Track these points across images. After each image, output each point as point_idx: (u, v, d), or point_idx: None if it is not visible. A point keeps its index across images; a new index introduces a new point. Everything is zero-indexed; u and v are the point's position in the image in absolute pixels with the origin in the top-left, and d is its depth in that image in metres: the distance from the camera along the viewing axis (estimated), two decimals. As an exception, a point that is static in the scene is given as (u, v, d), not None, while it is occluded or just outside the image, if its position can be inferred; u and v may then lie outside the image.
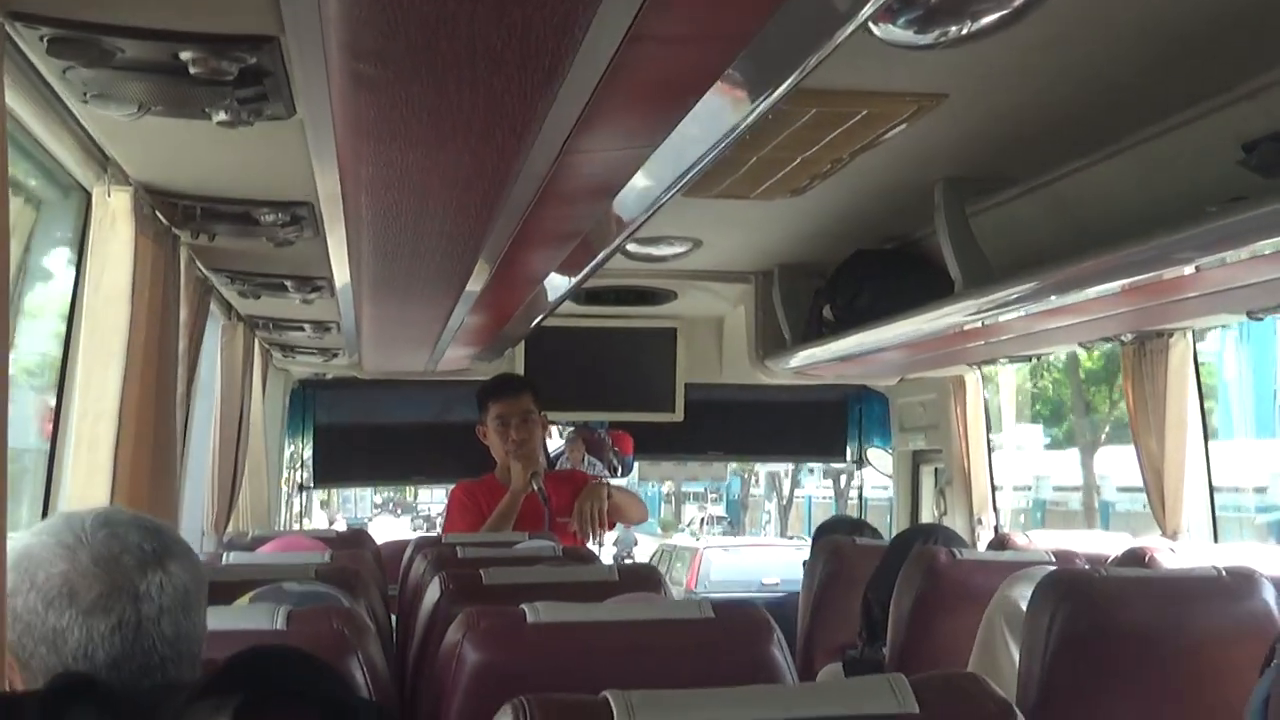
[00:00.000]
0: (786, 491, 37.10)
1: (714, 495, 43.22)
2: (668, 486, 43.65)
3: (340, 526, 12.52)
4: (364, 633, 2.68)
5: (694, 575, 19.83)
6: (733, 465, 33.37)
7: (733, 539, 29.81)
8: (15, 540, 1.83)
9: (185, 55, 2.00)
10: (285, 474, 8.16)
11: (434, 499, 35.83)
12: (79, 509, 1.86)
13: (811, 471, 34.33)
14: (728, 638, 2.81)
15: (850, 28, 1.92)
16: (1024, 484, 26.00)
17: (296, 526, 8.23)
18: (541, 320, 5.74)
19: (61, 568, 1.73)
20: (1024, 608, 3.65)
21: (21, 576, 1.75)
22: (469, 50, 1.72)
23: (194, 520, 5.53)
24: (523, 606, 2.77)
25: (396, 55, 1.75)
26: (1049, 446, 27.48)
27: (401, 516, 42.01)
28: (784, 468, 32.71)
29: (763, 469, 36.01)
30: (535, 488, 6.03)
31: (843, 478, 26.93)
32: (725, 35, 1.88)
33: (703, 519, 40.45)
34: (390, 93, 1.90)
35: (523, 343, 7.08)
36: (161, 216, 3.21)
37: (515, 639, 2.71)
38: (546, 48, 1.69)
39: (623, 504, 6.38)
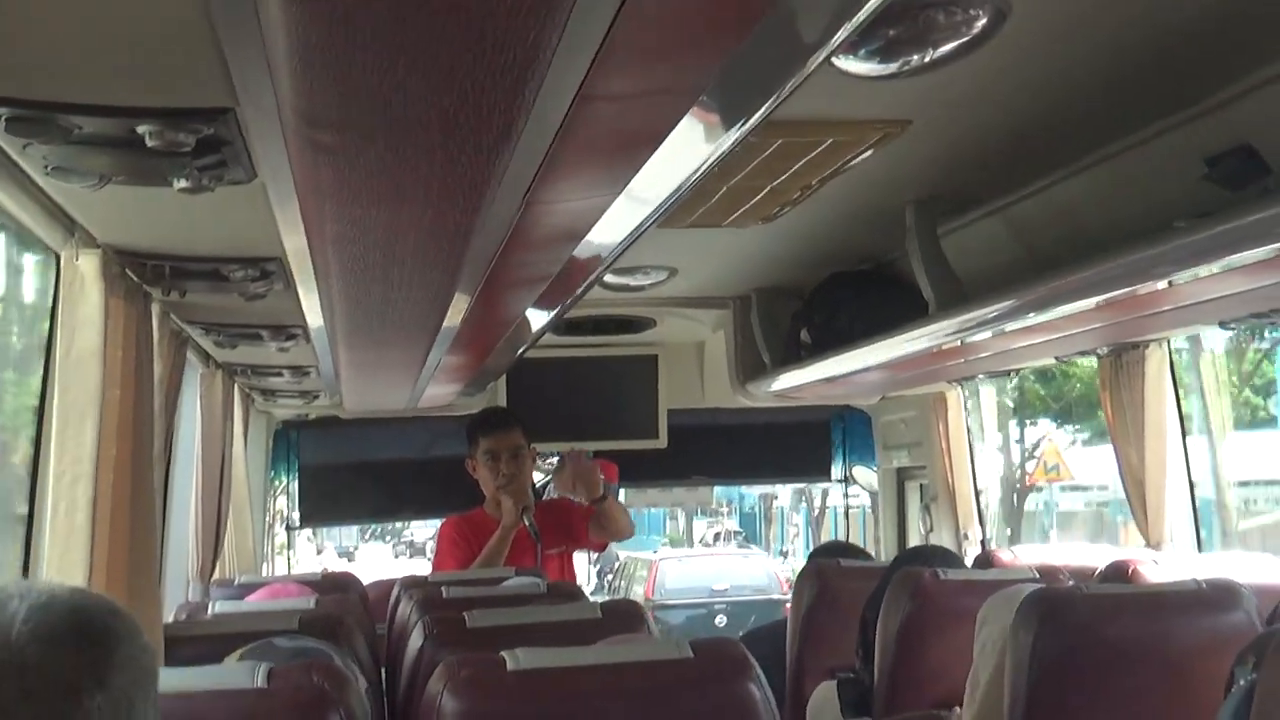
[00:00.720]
0: (818, 502, 32.98)
1: (726, 508, 41.10)
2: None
3: (329, 555, 12.49)
4: (346, 686, 2.68)
5: (651, 584, 21.19)
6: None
7: (686, 551, 31.07)
8: None
9: (142, 129, 2.01)
10: (271, 515, 8.15)
11: (419, 525, 35.74)
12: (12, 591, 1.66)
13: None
14: (707, 676, 2.82)
15: (810, 67, 1.93)
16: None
17: (283, 568, 8.22)
18: (522, 354, 5.75)
19: None
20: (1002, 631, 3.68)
21: None
22: (423, 115, 1.73)
23: (179, 569, 5.52)
24: (503, 654, 2.78)
25: (351, 122, 1.76)
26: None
27: (389, 541, 41.87)
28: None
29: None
30: (526, 523, 6.05)
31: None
32: (676, 90, 1.89)
33: (717, 534, 38.95)
34: (348, 157, 1.91)
35: (505, 376, 7.08)
36: (132, 275, 3.21)
37: (496, 687, 2.73)
38: (499, 109, 1.70)
39: (611, 513, 6.41)
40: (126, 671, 1.60)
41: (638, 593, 21.07)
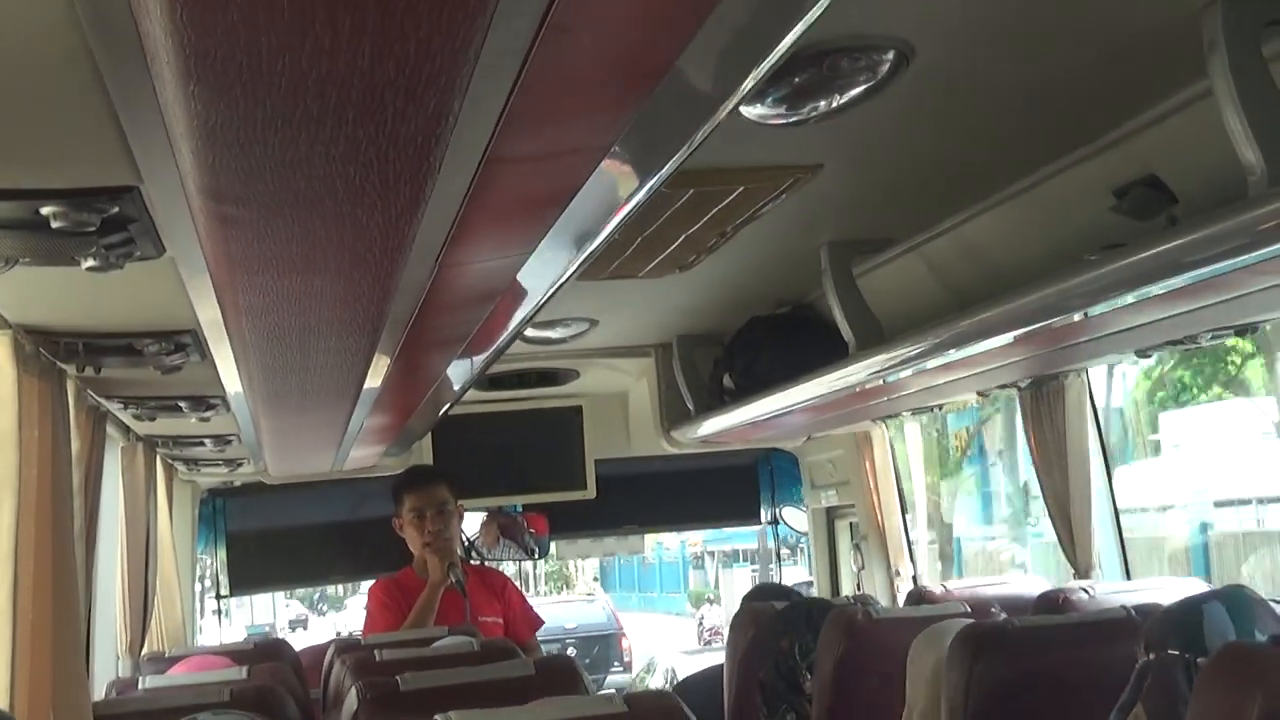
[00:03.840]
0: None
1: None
2: (695, 547, 40.67)
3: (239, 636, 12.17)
4: (277, 759, 2.66)
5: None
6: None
7: (546, 598, 33.95)
8: None
9: (47, 210, 1.99)
10: (199, 586, 8.07)
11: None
12: None
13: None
14: (643, 731, 2.81)
15: (717, 118, 1.94)
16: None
17: (214, 639, 8.14)
18: (445, 412, 5.73)
19: None
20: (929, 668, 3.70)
21: None
22: (328, 186, 1.72)
23: (108, 645, 5.46)
24: (437, 717, 2.76)
25: (256, 196, 1.75)
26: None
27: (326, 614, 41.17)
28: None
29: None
30: (453, 579, 6.01)
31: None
32: (581, 150, 1.89)
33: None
34: (256, 229, 1.90)
35: (430, 434, 7.06)
36: (45, 353, 3.18)
37: (431, 753, 2.70)
38: (405, 177, 1.70)
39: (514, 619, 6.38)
40: None
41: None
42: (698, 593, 38.20)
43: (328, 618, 40.45)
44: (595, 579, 42.61)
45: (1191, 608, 2.85)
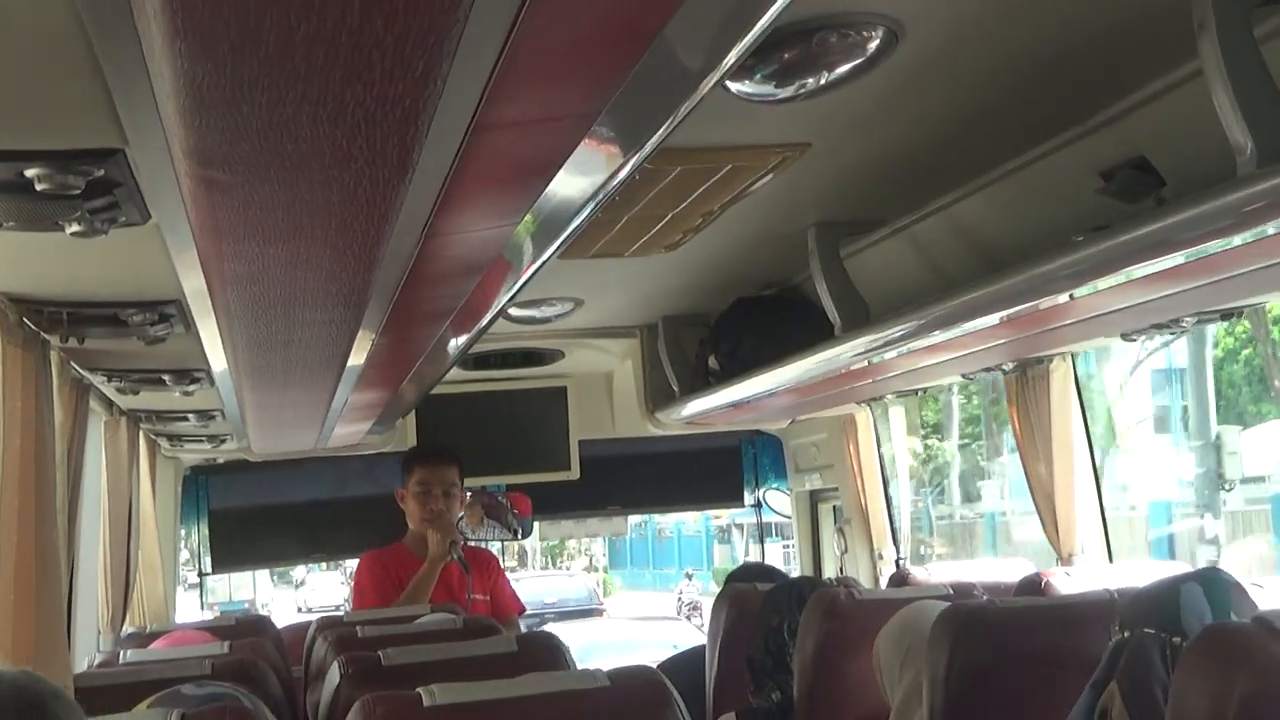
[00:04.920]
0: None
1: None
2: (720, 520, 38.78)
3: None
4: (259, 730, 2.66)
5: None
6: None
7: (525, 572, 35.74)
8: None
9: (30, 172, 1.98)
10: (182, 563, 8.06)
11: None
12: None
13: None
14: (624, 706, 2.82)
15: (703, 90, 1.94)
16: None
17: (197, 616, 8.14)
18: (430, 390, 5.72)
19: None
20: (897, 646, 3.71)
21: None
22: (315, 149, 1.71)
23: (89, 620, 5.45)
24: (419, 690, 2.75)
25: (242, 159, 1.74)
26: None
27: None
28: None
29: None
30: (455, 556, 6.02)
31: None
32: (570, 115, 1.89)
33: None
34: (242, 194, 1.89)
35: (414, 412, 7.05)
36: (29, 323, 3.17)
37: (413, 725, 2.70)
38: (392, 141, 1.69)
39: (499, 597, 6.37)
40: None
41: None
42: (723, 570, 37.41)
43: (284, 593, 40.19)
44: (587, 554, 42.30)
45: (1168, 587, 2.85)
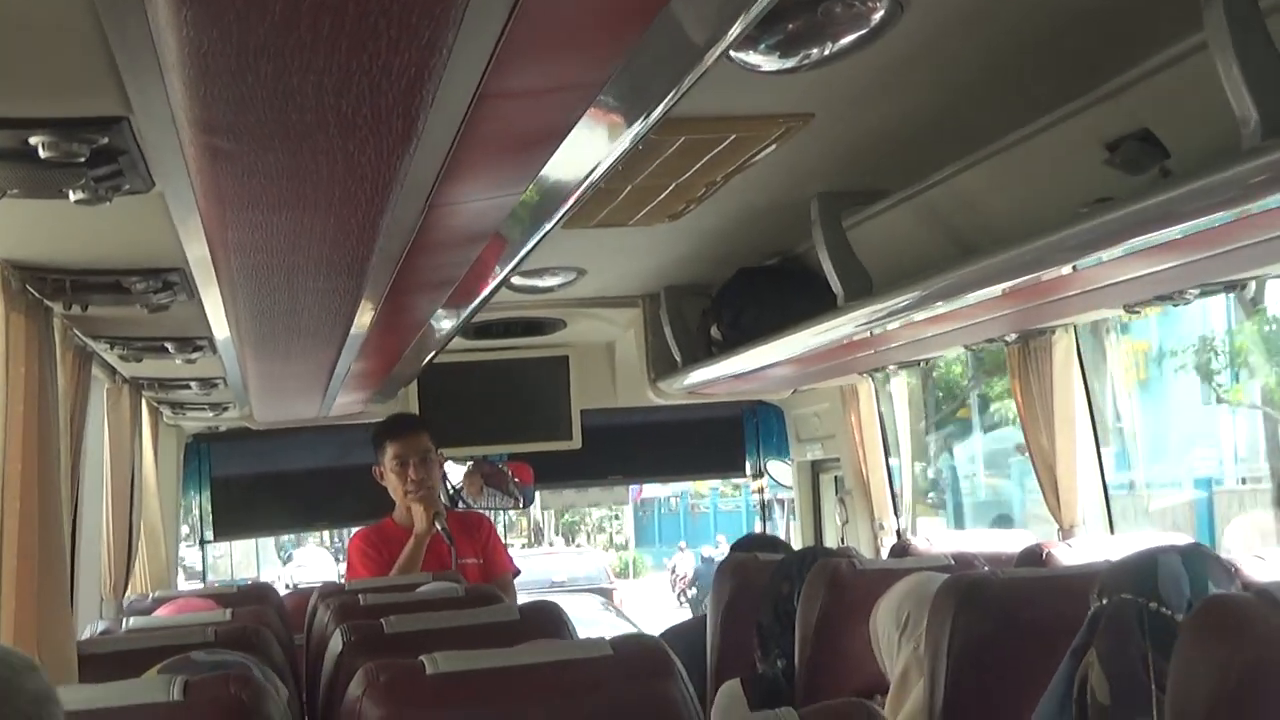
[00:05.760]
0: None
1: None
2: (761, 494, 37.27)
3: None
4: (264, 697, 2.66)
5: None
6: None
7: (534, 549, 35.17)
8: None
9: (35, 140, 1.98)
10: (184, 530, 8.08)
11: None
12: None
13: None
14: (627, 673, 2.82)
15: (709, 60, 1.93)
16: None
17: (199, 583, 8.16)
18: (431, 359, 5.72)
19: None
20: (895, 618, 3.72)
21: None
22: (320, 118, 1.71)
23: (91, 586, 5.46)
24: (422, 658, 2.76)
25: (247, 127, 1.74)
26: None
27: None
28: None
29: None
30: (439, 528, 6.01)
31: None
32: (575, 85, 1.89)
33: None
34: (246, 162, 1.89)
35: (415, 382, 7.05)
36: (32, 290, 3.17)
37: (415, 691, 2.71)
38: (397, 111, 1.69)
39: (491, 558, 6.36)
40: None
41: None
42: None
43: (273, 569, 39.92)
44: (601, 529, 41.65)
45: (1147, 557, 2.86)
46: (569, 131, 2.09)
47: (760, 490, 8.71)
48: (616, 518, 43.10)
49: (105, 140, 2.03)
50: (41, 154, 2.00)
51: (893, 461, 7.10)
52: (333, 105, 1.67)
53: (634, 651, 2.88)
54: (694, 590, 29.59)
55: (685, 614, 28.15)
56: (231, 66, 1.51)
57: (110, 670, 3.24)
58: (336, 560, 36.18)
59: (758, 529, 9.17)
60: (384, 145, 1.84)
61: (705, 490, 37.31)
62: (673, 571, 32.95)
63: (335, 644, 3.64)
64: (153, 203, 2.47)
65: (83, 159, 2.03)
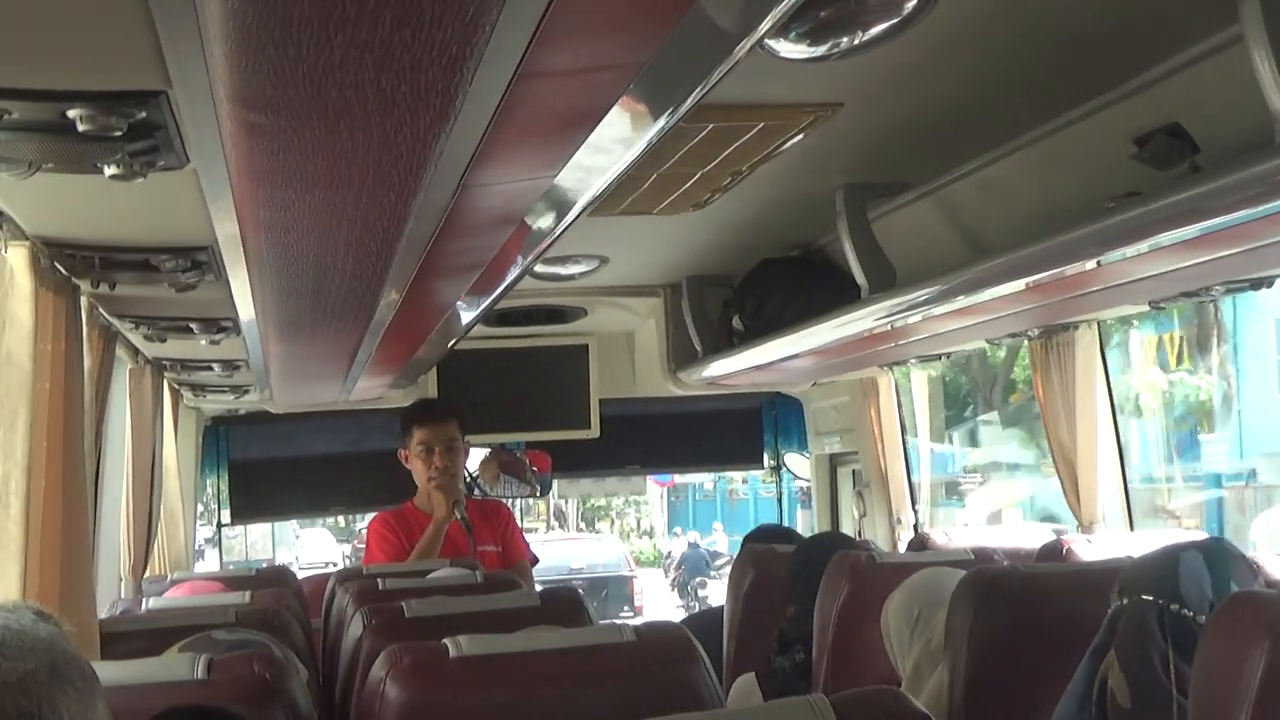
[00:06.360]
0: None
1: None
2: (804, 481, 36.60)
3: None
4: (286, 677, 2.67)
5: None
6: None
7: (551, 535, 34.59)
8: None
9: (73, 113, 1.97)
10: (201, 513, 8.09)
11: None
12: None
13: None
14: (650, 661, 2.82)
15: (744, 48, 1.93)
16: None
17: (216, 565, 8.17)
18: (453, 345, 5.72)
19: None
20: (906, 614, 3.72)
21: None
22: (359, 95, 1.71)
23: (110, 566, 5.47)
24: (445, 641, 2.76)
25: (286, 103, 1.74)
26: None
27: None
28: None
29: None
30: (458, 516, 6.02)
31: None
32: (615, 66, 1.88)
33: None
34: (282, 139, 1.89)
35: (435, 368, 7.05)
36: (60, 268, 3.17)
37: (438, 674, 2.71)
38: (436, 89, 1.69)
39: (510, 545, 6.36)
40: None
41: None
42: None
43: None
44: (610, 517, 41.36)
45: (1168, 555, 2.85)
46: (605, 113, 2.08)
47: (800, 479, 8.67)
48: (645, 503, 42.86)
49: (143, 114, 2.03)
50: (79, 127, 2.00)
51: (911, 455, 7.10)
52: (372, 81, 1.67)
53: (658, 639, 2.88)
54: (679, 572, 29.47)
55: (675, 598, 28.28)
56: (274, 39, 1.51)
57: (133, 648, 3.26)
58: (337, 542, 36.33)
59: (799, 519, 9.15)
60: (421, 124, 1.84)
61: (743, 475, 37.03)
62: (667, 557, 32.93)
63: (355, 627, 3.64)
64: (185, 179, 2.47)
65: (120, 133, 2.03)
